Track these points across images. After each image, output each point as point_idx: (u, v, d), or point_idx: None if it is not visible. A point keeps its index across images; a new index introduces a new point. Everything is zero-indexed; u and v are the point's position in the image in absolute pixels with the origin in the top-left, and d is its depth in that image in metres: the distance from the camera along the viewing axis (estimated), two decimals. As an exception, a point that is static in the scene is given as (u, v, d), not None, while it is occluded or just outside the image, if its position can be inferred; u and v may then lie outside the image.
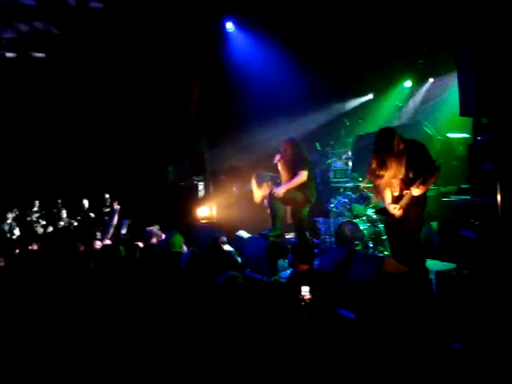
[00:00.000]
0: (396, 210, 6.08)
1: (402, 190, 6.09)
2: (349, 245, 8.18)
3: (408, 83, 12.65)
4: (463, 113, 5.49)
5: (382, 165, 6.13)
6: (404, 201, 6.03)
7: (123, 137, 13.43)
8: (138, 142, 13.52)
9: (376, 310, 3.25)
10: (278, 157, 8.13)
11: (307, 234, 8.21)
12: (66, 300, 4.58)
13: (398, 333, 2.91)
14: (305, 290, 4.43)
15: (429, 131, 10.29)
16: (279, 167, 8.15)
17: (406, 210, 6.04)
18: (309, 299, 4.38)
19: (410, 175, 6.00)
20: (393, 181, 6.14)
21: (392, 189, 6.19)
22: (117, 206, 9.75)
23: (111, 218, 9.67)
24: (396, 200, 6.13)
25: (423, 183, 5.86)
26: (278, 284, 4.04)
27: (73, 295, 4.75)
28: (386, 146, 6.07)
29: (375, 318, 3.06)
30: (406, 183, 6.03)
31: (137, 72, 12.79)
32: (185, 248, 7.40)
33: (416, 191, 5.88)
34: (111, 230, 9.46)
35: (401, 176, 6.05)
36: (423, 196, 6.02)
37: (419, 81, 12.47)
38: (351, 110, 12.91)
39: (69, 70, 12.58)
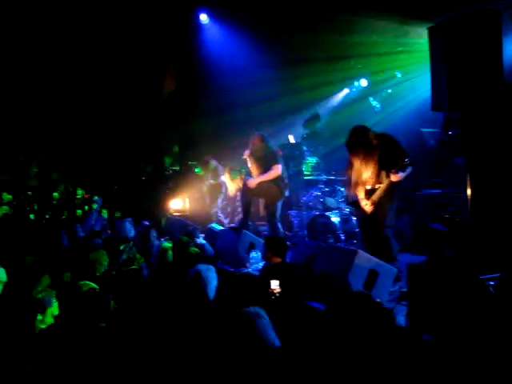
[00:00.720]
0: (367, 207, 6.16)
1: (374, 184, 6.15)
2: (321, 238, 8.21)
3: (364, 82, 12.67)
4: (435, 107, 5.53)
5: (356, 160, 6.21)
6: (376, 195, 6.09)
7: (95, 128, 13.24)
8: (109, 133, 13.36)
9: (347, 302, 3.25)
10: (247, 152, 8.15)
11: (280, 226, 8.22)
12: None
13: (369, 325, 2.91)
14: (274, 284, 4.43)
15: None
16: (249, 162, 8.17)
17: (378, 203, 6.10)
18: (278, 292, 4.38)
19: (383, 169, 6.06)
20: (366, 175, 6.20)
21: (365, 183, 6.25)
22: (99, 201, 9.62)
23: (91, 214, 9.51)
24: (368, 194, 6.19)
25: (402, 170, 5.91)
26: (249, 276, 4.02)
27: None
28: (359, 142, 6.14)
29: (346, 309, 3.05)
30: (379, 177, 6.09)
31: (109, 63, 12.61)
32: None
33: (394, 177, 5.95)
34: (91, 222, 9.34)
35: (374, 170, 6.11)
36: (395, 188, 6.09)
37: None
38: (325, 103, 12.92)
39: (38, 61, 12.34)
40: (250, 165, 8.21)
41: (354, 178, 6.36)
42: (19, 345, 3.55)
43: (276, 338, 2.91)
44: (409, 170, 6.04)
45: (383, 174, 6.05)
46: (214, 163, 10.96)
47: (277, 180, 7.94)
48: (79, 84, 12.64)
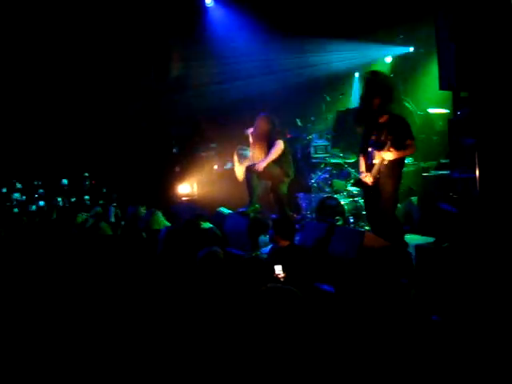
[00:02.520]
0: (367, 178, 6.16)
1: (374, 156, 6.15)
2: (330, 220, 8.20)
3: (388, 59, 12.57)
4: (443, 87, 5.48)
5: (366, 127, 6.24)
6: (375, 168, 6.09)
7: (101, 116, 13.21)
8: (117, 119, 13.34)
9: (356, 283, 3.26)
10: (250, 130, 8.10)
11: (288, 209, 8.21)
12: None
13: (379, 306, 2.92)
14: (278, 269, 4.42)
15: (409, 106, 10.31)
16: (250, 141, 8.13)
17: (381, 182, 6.09)
18: (283, 277, 4.37)
19: (382, 139, 6.06)
20: (369, 149, 6.20)
21: (368, 157, 6.24)
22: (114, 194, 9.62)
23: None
24: (369, 168, 6.20)
25: (395, 148, 5.90)
26: (257, 260, 4.02)
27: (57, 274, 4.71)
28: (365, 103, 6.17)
29: (355, 291, 3.06)
30: (379, 148, 6.09)
31: (113, 47, 12.55)
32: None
33: (387, 155, 5.96)
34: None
35: (378, 146, 6.12)
36: (397, 168, 6.09)
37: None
38: (332, 86, 12.82)
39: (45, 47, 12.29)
40: (251, 144, 8.16)
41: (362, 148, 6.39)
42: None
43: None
44: (408, 151, 6.13)
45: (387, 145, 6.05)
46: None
47: (281, 161, 7.93)
48: (84, 70, 12.58)
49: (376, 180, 6.14)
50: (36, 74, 12.11)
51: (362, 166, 6.35)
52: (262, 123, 8.05)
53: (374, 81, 6.21)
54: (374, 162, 6.17)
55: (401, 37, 11.41)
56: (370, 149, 6.21)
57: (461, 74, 4.96)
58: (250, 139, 8.17)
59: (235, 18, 12.06)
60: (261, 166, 7.82)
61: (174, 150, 12.92)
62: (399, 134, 5.98)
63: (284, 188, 8.06)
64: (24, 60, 11.91)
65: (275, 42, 11.93)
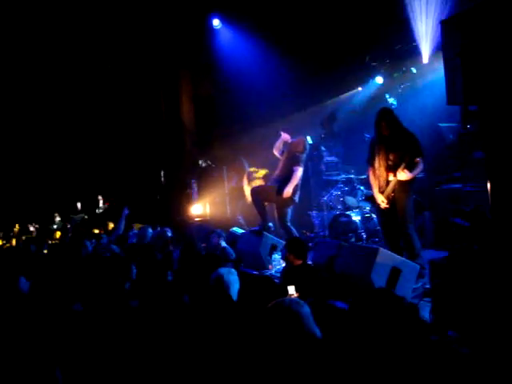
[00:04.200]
0: (380, 200, 6.19)
1: (387, 177, 6.19)
2: (343, 237, 8.19)
3: (379, 79, 12.58)
4: (450, 101, 5.49)
5: (376, 150, 6.28)
6: (389, 189, 6.13)
7: (114, 138, 13.36)
8: (129, 142, 13.47)
9: (370, 300, 3.24)
10: (278, 148, 8.17)
11: (293, 228, 8.15)
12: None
13: (393, 322, 2.90)
14: (291, 290, 4.42)
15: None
16: (279, 155, 8.17)
17: (394, 198, 6.12)
18: (296, 298, 4.36)
19: (391, 162, 6.09)
20: (379, 168, 6.23)
21: (379, 176, 6.27)
22: (127, 211, 9.64)
23: (120, 222, 9.54)
24: (382, 187, 6.22)
25: (407, 167, 5.94)
26: (268, 279, 4.02)
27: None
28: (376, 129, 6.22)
29: (368, 308, 3.05)
30: (390, 170, 6.13)
31: (124, 71, 12.71)
32: None
33: (401, 175, 6.00)
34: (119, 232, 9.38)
35: (385, 163, 6.15)
36: (410, 183, 6.12)
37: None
38: (342, 104, 12.86)
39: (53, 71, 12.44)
40: (280, 159, 8.22)
41: (373, 170, 6.41)
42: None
43: (317, 328, 2.88)
44: (418, 169, 6.14)
45: (392, 166, 6.10)
46: (243, 161, 10.94)
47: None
48: (94, 91, 12.74)
49: (390, 198, 6.17)
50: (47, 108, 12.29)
51: (375, 186, 6.37)
52: (298, 145, 8.08)
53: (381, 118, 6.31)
54: (387, 179, 6.19)
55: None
56: (380, 167, 6.24)
57: (468, 89, 4.98)
58: (279, 154, 8.21)
59: (244, 39, 12.14)
60: (289, 192, 7.79)
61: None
62: (410, 153, 6.03)
63: (288, 211, 8.01)
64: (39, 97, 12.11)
65: (281, 62, 12.02)
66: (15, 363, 3.01)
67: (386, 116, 6.30)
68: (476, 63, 4.92)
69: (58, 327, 3.77)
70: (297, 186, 7.90)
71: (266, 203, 8.17)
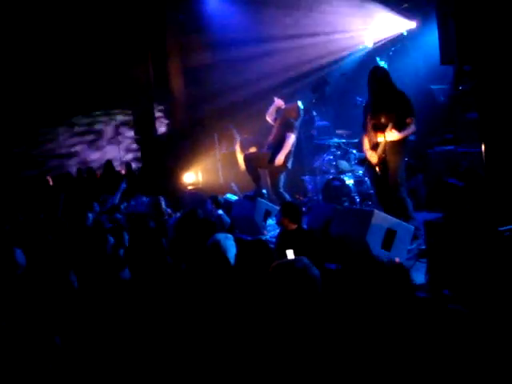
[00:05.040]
0: (372, 157, 6.18)
1: (377, 138, 6.16)
2: (336, 201, 8.20)
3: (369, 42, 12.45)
4: (444, 61, 5.45)
5: (370, 108, 6.26)
6: (380, 148, 6.11)
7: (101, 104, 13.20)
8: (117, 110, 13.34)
9: (365, 261, 3.26)
10: (271, 113, 8.13)
11: (286, 194, 8.16)
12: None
13: (387, 281, 2.92)
14: (290, 254, 4.42)
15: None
16: (272, 122, 8.14)
17: (387, 159, 6.10)
18: None
19: (383, 120, 6.07)
20: (371, 128, 6.21)
21: (370, 135, 6.25)
22: (124, 185, 9.58)
23: (116, 194, 9.50)
24: (373, 147, 6.21)
25: (396, 127, 5.92)
26: (261, 242, 4.02)
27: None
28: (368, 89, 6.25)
29: (364, 268, 3.07)
30: (381, 130, 6.10)
31: (111, 41, 12.53)
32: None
33: (389, 135, 5.98)
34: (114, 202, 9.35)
35: (376, 123, 6.13)
36: (401, 144, 6.10)
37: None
38: (332, 67, 12.75)
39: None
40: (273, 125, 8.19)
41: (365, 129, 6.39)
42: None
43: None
44: (410, 129, 6.08)
45: (390, 126, 6.06)
46: (233, 130, 10.91)
47: None
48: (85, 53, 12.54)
49: (381, 159, 6.15)
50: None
51: (366, 144, 6.35)
52: (291, 111, 8.05)
53: (372, 77, 6.26)
54: (377, 140, 6.17)
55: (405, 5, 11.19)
56: (372, 128, 6.22)
57: (462, 48, 4.93)
58: (272, 121, 8.17)
59: (235, 5, 11.96)
60: (280, 159, 7.78)
61: None
62: (400, 112, 5.99)
63: (281, 177, 8.01)
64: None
65: (271, 21, 11.87)
66: (16, 333, 3.02)
67: (377, 74, 6.25)
68: (470, 22, 4.87)
69: (56, 298, 3.77)
70: (290, 152, 7.88)
71: (258, 168, 8.17)
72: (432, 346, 2.66)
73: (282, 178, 8.05)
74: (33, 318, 3.40)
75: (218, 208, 7.66)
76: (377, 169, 6.22)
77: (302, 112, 8.13)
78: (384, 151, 6.12)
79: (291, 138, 7.85)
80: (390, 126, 5.99)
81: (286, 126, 7.95)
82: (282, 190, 8.00)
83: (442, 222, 4.43)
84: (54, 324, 3.36)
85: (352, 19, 11.40)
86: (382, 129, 6.12)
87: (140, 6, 12.24)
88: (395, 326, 2.74)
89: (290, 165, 7.96)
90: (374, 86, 6.22)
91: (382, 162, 6.16)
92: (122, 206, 9.10)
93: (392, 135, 6.01)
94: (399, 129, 6.00)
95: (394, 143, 6.08)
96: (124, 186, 9.28)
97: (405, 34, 11.54)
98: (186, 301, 3.47)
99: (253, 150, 9.15)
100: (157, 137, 13.67)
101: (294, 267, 2.85)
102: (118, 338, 3.37)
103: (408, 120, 6.05)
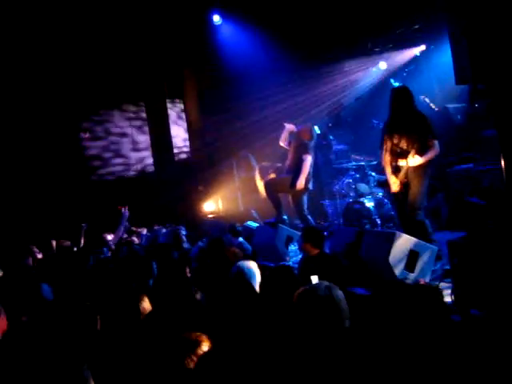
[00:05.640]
0: (394, 186, 6.10)
1: (398, 162, 6.10)
2: (357, 224, 8.19)
3: (383, 64, 12.55)
4: (459, 81, 5.46)
5: (389, 132, 6.20)
6: (401, 175, 6.04)
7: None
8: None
9: (392, 285, 3.25)
10: (284, 139, 8.20)
11: (310, 218, 8.19)
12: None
13: (416, 306, 2.91)
14: (315, 280, 4.41)
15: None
16: (286, 147, 8.21)
17: (408, 183, 6.04)
18: None
19: (404, 144, 6.01)
20: (391, 151, 6.15)
21: (391, 159, 6.20)
22: (126, 212, 9.64)
23: (121, 223, 9.56)
24: (394, 171, 6.14)
25: (419, 152, 5.87)
26: (287, 268, 4.04)
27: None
28: (402, 103, 6.13)
29: (391, 293, 3.05)
30: (402, 154, 6.04)
31: (127, 70, 12.68)
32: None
33: (412, 161, 5.91)
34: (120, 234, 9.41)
35: (396, 146, 6.07)
36: (424, 168, 6.02)
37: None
38: (347, 92, 12.82)
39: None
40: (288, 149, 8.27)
41: (385, 152, 6.29)
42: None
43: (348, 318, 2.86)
44: (433, 152, 5.98)
45: (413, 151, 5.98)
46: (250, 157, 10.99)
47: None
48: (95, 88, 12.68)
49: (403, 183, 6.08)
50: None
51: (388, 169, 6.26)
52: (305, 133, 8.14)
53: (394, 97, 6.22)
54: (399, 164, 6.10)
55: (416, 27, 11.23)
56: (392, 152, 6.17)
57: (476, 67, 4.95)
58: (285, 145, 8.27)
59: (246, 33, 12.09)
60: (302, 183, 7.84)
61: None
62: (421, 135, 5.94)
63: (304, 199, 8.07)
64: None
65: (283, 52, 11.99)
66: (45, 366, 3.05)
67: (399, 96, 6.18)
68: (482, 40, 4.89)
69: (84, 329, 3.80)
70: (309, 173, 7.94)
71: (280, 194, 8.22)
72: (469, 369, 2.63)
73: (305, 199, 8.10)
74: (62, 351, 3.43)
75: (236, 237, 7.67)
76: (395, 189, 6.15)
77: (315, 133, 8.21)
78: (406, 176, 6.07)
79: (308, 160, 7.91)
80: (412, 152, 5.91)
81: (301, 149, 8.02)
82: (306, 213, 8.04)
83: (465, 242, 4.40)
84: (83, 356, 3.39)
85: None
86: (402, 153, 6.04)
87: (157, 39, 12.42)
88: (432, 352, 2.71)
89: (311, 186, 8.03)
90: (395, 107, 6.15)
91: (404, 185, 6.10)
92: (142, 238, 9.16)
93: (414, 161, 5.92)
94: (421, 153, 5.92)
95: (417, 167, 6.02)
96: (126, 214, 9.32)
97: (418, 54, 11.62)
98: (214, 331, 3.47)
99: (272, 175, 9.20)
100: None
101: (317, 294, 2.85)
102: (142, 372, 3.38)
103: (430, 143, 5.96)
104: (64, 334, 3.86)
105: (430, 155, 5.98)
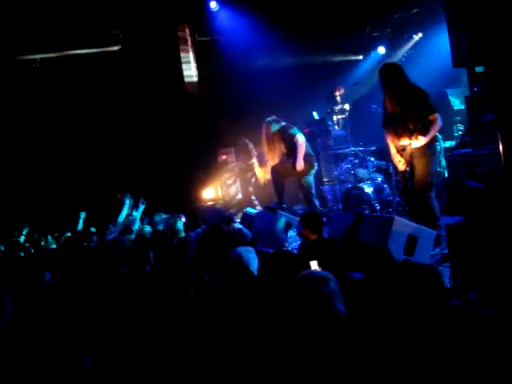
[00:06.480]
0: (400, 164, 6.01)
1: (400, 140, 5.96)
2: (356, 209, 8.18)
3: (381, 49, 12.50)
4: (456, 63, 5.42)
5: (389, 107, 6.03)
6: (406, 154, 5.95)
7: (128, 126, 13.29)
8: (134, 129, 13.41)
9: (387, 269, 3.25)
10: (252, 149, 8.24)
11: (317, 203, 8.19)
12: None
13: (412, 288, 2.91)
14: (314, 265, 4.40)
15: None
16: (267, 152, 8.20)
17: (413, 164, 5.95)
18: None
19: (403, 123, 5.90)
20: (393, 130, 6.05)
21: (393, 139, 6.10)
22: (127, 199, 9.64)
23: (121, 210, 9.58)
24: (399, 151, 6.03)
25: (421, 131, 5.80)
26: (286, 253, 4.02)
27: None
28: (393, 79, 5.93)
29: (387, 277, 3.05)
30: (404, 132, 5.92)
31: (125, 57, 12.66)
32: None
33: (416, 143, 5.81)
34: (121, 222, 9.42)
35: (397, 125, 5.96)
36: (427, 145, 5.89)
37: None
38: (344, 77, 12.77)
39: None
40: (267, 155, 8.25)
41: (387, 133, 6.16)
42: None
43: (343, 306, 2.83)
44: (436, 127, 5.82)
45: (415, 133, 5.88)
46: (249, 144, 10.97)
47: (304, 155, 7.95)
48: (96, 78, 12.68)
49: (409, 163, 5.97)
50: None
51: (393, 149, 6.15)
52: (266, 130, 8.16)
53: (384, 74, 6.09)
54: (401, 144, 6.01)
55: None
56: (394, 132, 6.06)
57: (473, 48, 4.90)
58: (266, 153, 8.27)
59: (243, 18, 12.02)
60: (300, 165, 7.83)
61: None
62: (420, 111, 5.80)
63: (311, 179, 8.09)
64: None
65: (282, 38, 11.93)
66: (45, 353, 3.06)
67: (388, 74, 5.98)
68: (478, 21, 4.84)
69: (83, 315, 3.82)
70: (310, 154, 7.96)
71: (286, 179, 8.21)
72: (465, 352, 2.63)
73: (312, 181, 8.10)
74: (62, 336, 3.44)
75: (228, 224, 7.64)
76: (401, 168, 6.03)
77: (274, 121, 8.25)
78: (410, 155, 5.94)
79: (300, 140, 7.89)
80: (415, 134, 5.77)
81: (287, 136, 8.01)
82: (313, 196, 8.05)
83: (463, 225, 4.39)
84: (83, 343, 3.40)
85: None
86: (404, 132, 5.89)
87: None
88: (429, 335, 2.71)
89: (316, 165, 8.05)
90: (388, 86, 5.97)
91: (410, 165, 5.96)
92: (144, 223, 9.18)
93: (419, 142, 5.78)
94: (424, 132, 5.77)
95: (419, 148, 5.86)
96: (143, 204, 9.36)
97: (417, 38, 11.59)
98: (212, 313, 3.49)
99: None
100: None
101: (310, 280, 2.83)
102: (144, 355, 3.40)
103: (431, 117, 5.80)
104: (63, 320, 3.88)
105: (433, 131, 5.82)
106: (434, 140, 6.03)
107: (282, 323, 2.98)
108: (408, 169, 5.99)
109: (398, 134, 5.98)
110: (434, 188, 6.05)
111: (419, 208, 5.96)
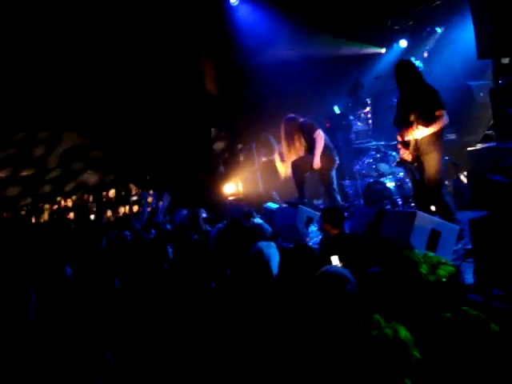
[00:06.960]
0: (406, 156, 6.02)
1: (407, 134, 6.00)
2: (378, 204, 8.12)
3: (403, 42, 12.35)
4: (481, 55, 5.34)
5: (401, 104, 6.12)
6: (411, 145, 5.95)
7: (140, 121, 13.36)
8: (156, 125, 13.47)
9: (405, 263, 3.21)
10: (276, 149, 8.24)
11: (339, 198, 8.14)
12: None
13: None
14: (335, 260, 4.38)
15: None
16: (287, 151, 8.16)
17: (423, 158, 5.94)
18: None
19: (411, 117, 5.92)
20: (402, 125, 6.07)
21: (402, 132, 6.12)
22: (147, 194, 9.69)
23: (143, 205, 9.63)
24: (405, 144, 6.06)
25: (424, 123, 5.78)
26: (305, 247, 4.01)
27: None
28: (406, 76, 6.01)
29: (406, 271, 3.02)
30: (410, 126, 5.95)
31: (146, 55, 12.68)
32: None
33: (418, 133, 5.81)
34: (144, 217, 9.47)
35: (406, 120, 5.98)
36: (436, 141, 5.90)
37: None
38: (366, 71, 12.66)
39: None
40: (287, 154, 8.21)
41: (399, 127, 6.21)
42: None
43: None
44: (441, 123, 5.83)
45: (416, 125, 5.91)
46: (271, 139, 10.94)
47: (325, 150, 7.89)
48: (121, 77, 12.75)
49: (414, 157, 5.99)
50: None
51: (400, 144, 6.21)
52: (287, 128, 8.11)
53: (397, 71, 6.12)
54: (408, 137, 6.03)
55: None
56: (402, 125, 6.09)
57: (499, 40, 4.82)
58: (286, 150, 8.23)
59: (263, 12, 11.97)
60: (317, 162, 7.79)
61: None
62: (427, 106, 5.82)
63: (332, 173, 8.03)
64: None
65: (301, 32, 11.85)
66: (69, 346, 3.08)
67: (400, 71, 6.07)
68: (505, 11, 4.75)
69: (104, 310, 3.83)
70: (329, 148, 7.90)
71: (306, 174, 8.18)
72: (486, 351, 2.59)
73: (334, 176, 8.05)
74: (84, 330, 3.46)
75: (248, 220, 7.63)
76: (412, 164, 6.05)
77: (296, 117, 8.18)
78: (416, 149, 5.97)
79: (319, 136, 7.84)
80: (415, 124, 5.84)
81: (306, 131, 7.96)
82: (335, 191, 8.00)
83: (487, 220, 4.32)
84: (105, 337, 3.42)
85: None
86: (410, 125, 5.95)
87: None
88: (444, 329, 2.67)
89: (337, 159, 7.99)
90: (401, 82, 6.06)
91: (417, 161, 6.00)
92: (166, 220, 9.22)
93: (420, 132, 5.84)
94: (427, 124, 5.81)
95: (427, 141, 5.88)
96: (168, 196, 9.39)
97: (439, 31, 11.43)
98: (232, 309, 3.48)
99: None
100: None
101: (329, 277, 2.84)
102: (165, 350, 3.40)
103: (437, 113, 5.82)
104: (85, 314, 3.90)
105: (437, 125, 5.83)
106: (441, 138, 6.02)
107: (300, 318, 2.97)
108: (416, 164, 6.03)
109: (406, 129, 6.03)
110: (443, 184, 6.09)
111: (430, 204, 5.92)
